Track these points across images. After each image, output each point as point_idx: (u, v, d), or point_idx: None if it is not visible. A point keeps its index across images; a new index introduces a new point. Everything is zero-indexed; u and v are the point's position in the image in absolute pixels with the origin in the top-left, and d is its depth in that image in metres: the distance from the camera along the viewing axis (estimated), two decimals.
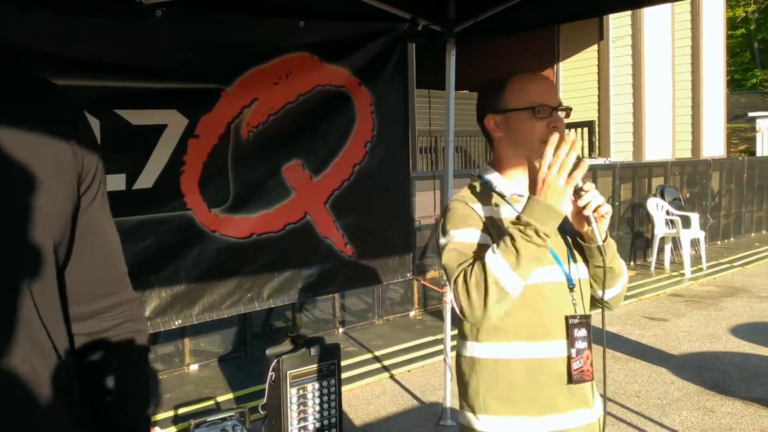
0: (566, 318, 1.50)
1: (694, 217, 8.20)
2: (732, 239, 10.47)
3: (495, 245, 1.42)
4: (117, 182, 2.52)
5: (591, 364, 1.53)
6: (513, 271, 1.37)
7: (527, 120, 1.52)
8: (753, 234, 10.99)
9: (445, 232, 1.54)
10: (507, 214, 1.53)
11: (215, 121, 2.73)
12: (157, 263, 2.68)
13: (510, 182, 1.58)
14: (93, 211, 1.02)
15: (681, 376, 4.52)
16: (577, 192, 1.47)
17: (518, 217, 1.40)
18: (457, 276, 1.43)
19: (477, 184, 1.61)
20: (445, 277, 1.59)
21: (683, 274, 7.86)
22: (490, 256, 1.40)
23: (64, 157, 0.94)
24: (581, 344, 1.51)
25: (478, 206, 1.54)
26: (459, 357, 1.63)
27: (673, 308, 6.49)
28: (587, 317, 1.53)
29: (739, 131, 28.58)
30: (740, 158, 11.92)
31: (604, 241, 1.49)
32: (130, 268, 1.02)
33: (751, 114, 26.33)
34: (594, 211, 1.46)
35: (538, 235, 1.37)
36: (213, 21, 2.73)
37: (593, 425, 1.56)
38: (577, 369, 1.50)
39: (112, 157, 2.48)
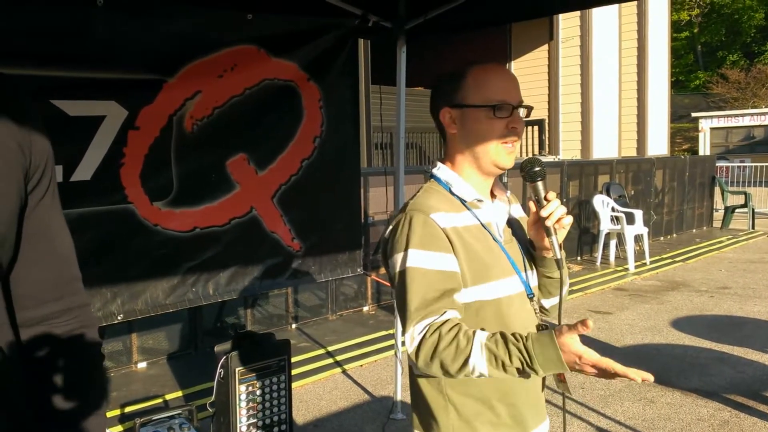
0: (538, 328, 1.40)
1: (638, 214, 8.45)
2: (674, 235, 10.84)
3: (485, 348, 1.25)
4: None
5: None
6: (481, 374, 1.26)
7: (486, 118, 1.39)
8: (694, 230, 11.41)
9: (404, 251, 1.35)
10: (468, 221, 1.40)
11: (157, 113, 2.67)
12: (97, 258, 2.62)
13: (468, 185, 1.44)
14: (42, 211, 0.95)
15: None
16: (539, 201, 1.40)
17: (528, 342, 1.23)
18: (426, 331, 1.29)
19: (435, 186, 1.46)
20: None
21: (627, 269, 8.10)
22: (477, 355, 1.24)
23: (10, 153, 0.87)
24: None
25: (439, 215, 1.37)
26: (427, 379, 1.43)
27: (618, 302, 6.68)
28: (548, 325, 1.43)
29: (683, 131, 29.66)
30: (683, 157, 12.34)
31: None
32: None
33: (694, 114, 27.43)
34: (556, 221, 1.38)
35: (530, 368, 1.22)
36: (155, 10, 2.67)
37: None
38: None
39: None
